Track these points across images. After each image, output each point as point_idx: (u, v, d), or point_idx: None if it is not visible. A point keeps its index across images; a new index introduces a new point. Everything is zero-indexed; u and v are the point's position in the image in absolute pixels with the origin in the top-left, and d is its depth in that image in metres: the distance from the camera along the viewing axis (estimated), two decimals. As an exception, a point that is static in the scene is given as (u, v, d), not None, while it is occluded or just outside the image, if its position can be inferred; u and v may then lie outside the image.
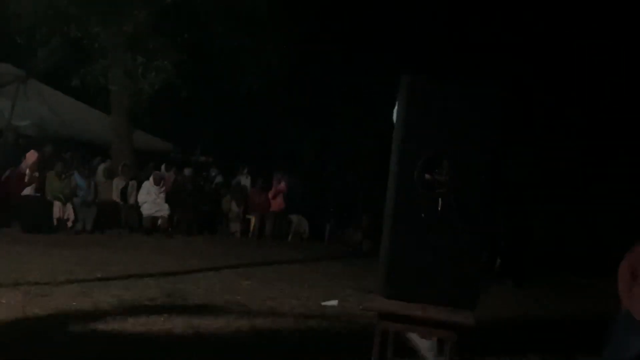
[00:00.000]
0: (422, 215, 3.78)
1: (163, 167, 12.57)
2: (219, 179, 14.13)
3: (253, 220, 12.67)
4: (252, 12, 11.73)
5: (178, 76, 11.67)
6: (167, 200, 11.52)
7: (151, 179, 11.57)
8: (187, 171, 12.89)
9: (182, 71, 11.80)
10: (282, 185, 13.15)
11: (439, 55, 13.22)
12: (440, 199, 3.76)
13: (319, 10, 11.86)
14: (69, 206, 10.43)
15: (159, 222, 11.40)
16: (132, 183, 11.63)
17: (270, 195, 13.07)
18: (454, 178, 3.76)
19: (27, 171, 10.22)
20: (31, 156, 10.32)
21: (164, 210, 11.39)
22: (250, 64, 12.32)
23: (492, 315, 6.14)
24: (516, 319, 6.81)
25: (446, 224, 3.76)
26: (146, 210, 11.29)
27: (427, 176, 3.79)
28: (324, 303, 6.41)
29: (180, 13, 11.89)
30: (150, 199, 11.34)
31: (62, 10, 10.77)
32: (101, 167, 11.63)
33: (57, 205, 10.28)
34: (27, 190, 10.19)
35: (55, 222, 10.27)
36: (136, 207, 11.32)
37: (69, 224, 10.41)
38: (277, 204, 13.01)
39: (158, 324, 4.92)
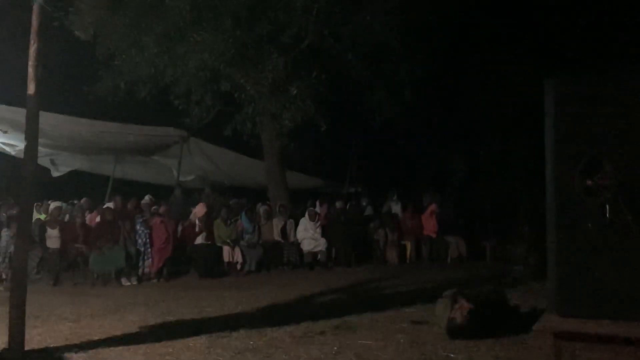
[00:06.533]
0: (589, 224, 3.53)
1: (317, 202, 13.12)
2: (369, 208, 14.29)
3: (408, 245, 12.59)
4: (384, 42, 11.93)
5: (317, 112, 12.14)
6: (323, 234, 11.93)
7: (307, 215, 12.07)
8: (338, 204, 13.22)
9: (321, 107, 12.26)
10: (434, 206, 12.92)
11: (587, 52, 12.30)
12: (607, 205, 3.49)
13: (453, 22, 11.71)
14: (237, 249, 11.19)
15: (319, 256, 11.81)
16: (290, 221, 12.22)
17: (423, 217, 12.91)
18: (621, 181, 3.46)
19: (197, 222, 11.19)
20: (201, 209, 11.30)
21: (321, 244, 11.78)
22: (386, 92, 12.52)
23: None
24: None
25: (617, 231, 3.47)
26: (306, 246, 11.77)
27: (588, 182, 3.54)
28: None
29: (315, 54, 12.43)
30: (308, 235, 11.81)
31: (212, 69, 11.82)
32: (261, 210, 12.37)
33: (226, 249, 11.07)
34: (199, 240, 11.13)
35: (225, 265, 11.07)
36: (296, 244, 11.85)
37: (238, 266, 11.14)
38: (431, 226, 12.79)
39: (330, 356, 5.07)
